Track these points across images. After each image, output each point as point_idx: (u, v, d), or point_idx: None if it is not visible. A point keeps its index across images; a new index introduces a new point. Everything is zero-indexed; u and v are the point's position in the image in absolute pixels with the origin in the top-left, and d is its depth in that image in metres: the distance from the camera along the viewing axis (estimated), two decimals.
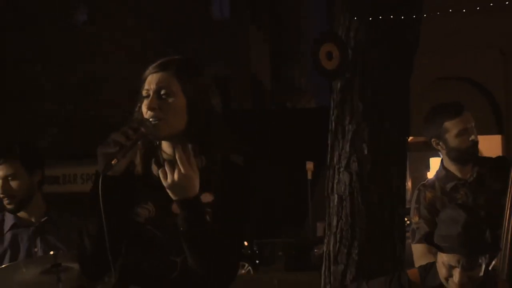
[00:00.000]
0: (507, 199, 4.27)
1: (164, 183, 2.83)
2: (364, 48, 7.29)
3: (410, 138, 7.73)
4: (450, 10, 9.42)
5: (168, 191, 2.84)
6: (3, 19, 18.53)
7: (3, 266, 4.02)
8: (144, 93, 3.02)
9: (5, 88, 19.10)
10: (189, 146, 2.90)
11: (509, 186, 4.30)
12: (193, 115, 2.99)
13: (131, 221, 2.96)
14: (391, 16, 7.25)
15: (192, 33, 25.97)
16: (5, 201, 4.35)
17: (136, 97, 3.12)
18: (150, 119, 2.93)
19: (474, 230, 3.65)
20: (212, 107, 3.06)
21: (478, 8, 9.91)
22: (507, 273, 4.14)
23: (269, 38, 33.92)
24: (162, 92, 2.98)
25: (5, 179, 4.31)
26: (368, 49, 7.31)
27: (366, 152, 7.21)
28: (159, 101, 2.96)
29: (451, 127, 4.53)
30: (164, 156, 3.02)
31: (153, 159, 3.01)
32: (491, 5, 10.08)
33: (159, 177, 2.89)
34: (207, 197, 2.96)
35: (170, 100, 2.98)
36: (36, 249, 4.38)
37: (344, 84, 7.37)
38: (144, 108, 2.99)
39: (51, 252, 3.82)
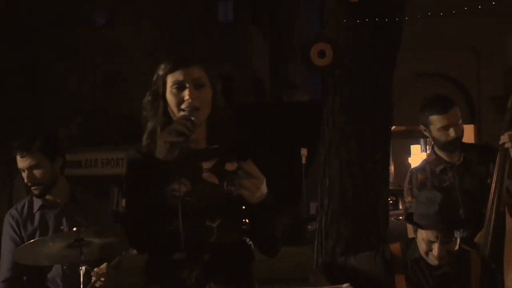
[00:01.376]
0: (493, 182, 4.26)
1: (252, 199, 2.86)
2: (352, 47, 7.29)
3: (393, 127, 7.74)
4: (429, 14, 9.40)
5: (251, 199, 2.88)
6: (35, 24, 18.54)
7: (32, 240, 4.01)
8: (174, 85, 2.98)
9: (37, 84, 19.10)
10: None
11: (495, 171, 4.28)
12: (214, 102, 3.03)
13: (171, 196, 2.92)
14: (377, 19, 7.25)
15: (199, 34, 26.00)
16: (32, 188, 4.34)
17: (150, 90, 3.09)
18: (187, 112, 2.91)
19: (449, 208, 3.65)
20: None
21: (454, 11, 9.89)
22: (490, 248, 4.13)
23: (269, 38, 33.85)
24: (198, 83, 2.97)
25: (30, 169, 4.29)
26: (356, 48, 7.31)
27: (353, 140, 7.22)
28: (196, 92, 2.96)
29: (435, 121, 4.50)
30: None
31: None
32: (465, 9, 10.08)
33: (181, 156, 2.89)
34: (232, 166, 2.91)
35: (204, 90, 2.99)
36: (62, 227, 4.37)
37: (335, 79, 7.38)
38: (173, 99, 2.97)
39: (74, 229, 3.81)
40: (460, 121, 4.49)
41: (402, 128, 19.36)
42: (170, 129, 2.85)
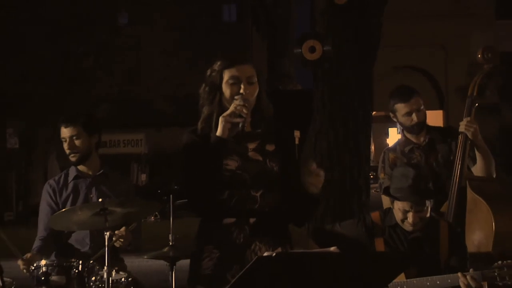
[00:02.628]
0: (455, 160, 4.23)
1: (313, 190, 3.06)
2: (338, 44, 7.27)
3: (374, 112, 7.72)
4: (403, 16, 9.38)
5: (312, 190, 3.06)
6: (66, 24, 18.54)
7: (63, 210, 4.00)
8: (231, 79, 3.08)
9: (70, 75, 19.14)
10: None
11: (457, 151, 4.25)
12: (260, 95, 3.15)
13: (224, 170, 3.05)
14: (359, 20, 7.25)
15: (207, 34, 25.95)
16: (71, 156, 4.37)
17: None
18: (239, 101, 3.03)
19: (420, 182, 3.64)
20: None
21: (424, 14, 9.91)
22: (453, 216, 4.11)
23: (266, 36, 33.70)
24: (250, 80, 3.09)
25: (71, 138, 4.34)
26: (341, 45, 7.29)
27: (340, 123, 7.21)
28: (249, 87, 3.08)
29: (400, 109, 4.46)
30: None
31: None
32: (434, 12, 10.09)
33: (234, 139, 3.05)
34: (271, 147, 3.14)
35: (254, 86, 3.11)
36: (91, 196, 4.38)
37: (324, 71, 7.36)
38: (228, 91, 3.08)
39: (100, 199, 3.79)
40: (422, 107, 4.44)
41: (382, 113, 19.28)
42: (230, 113, 3.00)
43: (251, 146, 3.12)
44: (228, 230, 3.06)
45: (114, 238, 4.04)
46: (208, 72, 3.17)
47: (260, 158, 3.10)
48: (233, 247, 3.04)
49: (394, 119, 4.59)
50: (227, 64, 3.12)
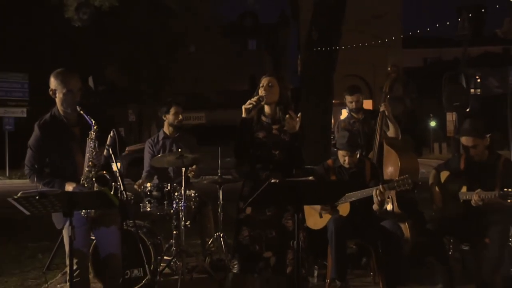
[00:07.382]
0: (377, 126, 4.15)
1: (291, 131, 2.95)
2: (314, 62, 7.20)
3: (334, 101, 7.65)
4: (349, 46, 9.23)
5: (290, 131, 2.96)
6: (158, 48, 18.59)
7: (159, 155, 3.99)
8: (261, 85, 3.08)
9: (161, 79, 19.25)
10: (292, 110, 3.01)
11: (378, 122, 4.15)
12: (281, 95, 3.08)
13: (256, 138, 3.04)
14: (325, 48, 7.16)
15: (239, 56, 25.81)
16: (176, 121, 4.36)
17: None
18: (263, 95, 3.02)
19: (353, 139, 3.59)
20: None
21: (362, 45, 9.74)
22: (376, 161, 4.03)
23: (273, 57, 33.28)
24: (270, 84, 3.06)
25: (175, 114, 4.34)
26: (316, 63, 7.22)
27: (314, 108, 7.18)
28: (268, 88, 3.05)
29: (347, 98, 4.37)
30: (265, 112, 3.09)
31: (261, 112, 3.09)
32: (368, 43, 9.89)
33: (264, 121, 3.06)
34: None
35: (273, 88, 3.06)
36: (172, 148, 4.34)
37: (306, 78, 7.29)
38: (260, 91, 3.07)
39: (180, 150, 3.77)
40: (361, 98, 4.35)
41: (338, 101, 19.12)
42: (247, 103, 2.96)
43: (275, 127, 3.08)
44: (258, 171, 3.06)
45: (188, 173, 4.03)
46: None
47: (278, 133, 3.07)
48: (260, 180, 3.02)
49: (345, 102, 4.48)
50: (262, 77, 3.13)
